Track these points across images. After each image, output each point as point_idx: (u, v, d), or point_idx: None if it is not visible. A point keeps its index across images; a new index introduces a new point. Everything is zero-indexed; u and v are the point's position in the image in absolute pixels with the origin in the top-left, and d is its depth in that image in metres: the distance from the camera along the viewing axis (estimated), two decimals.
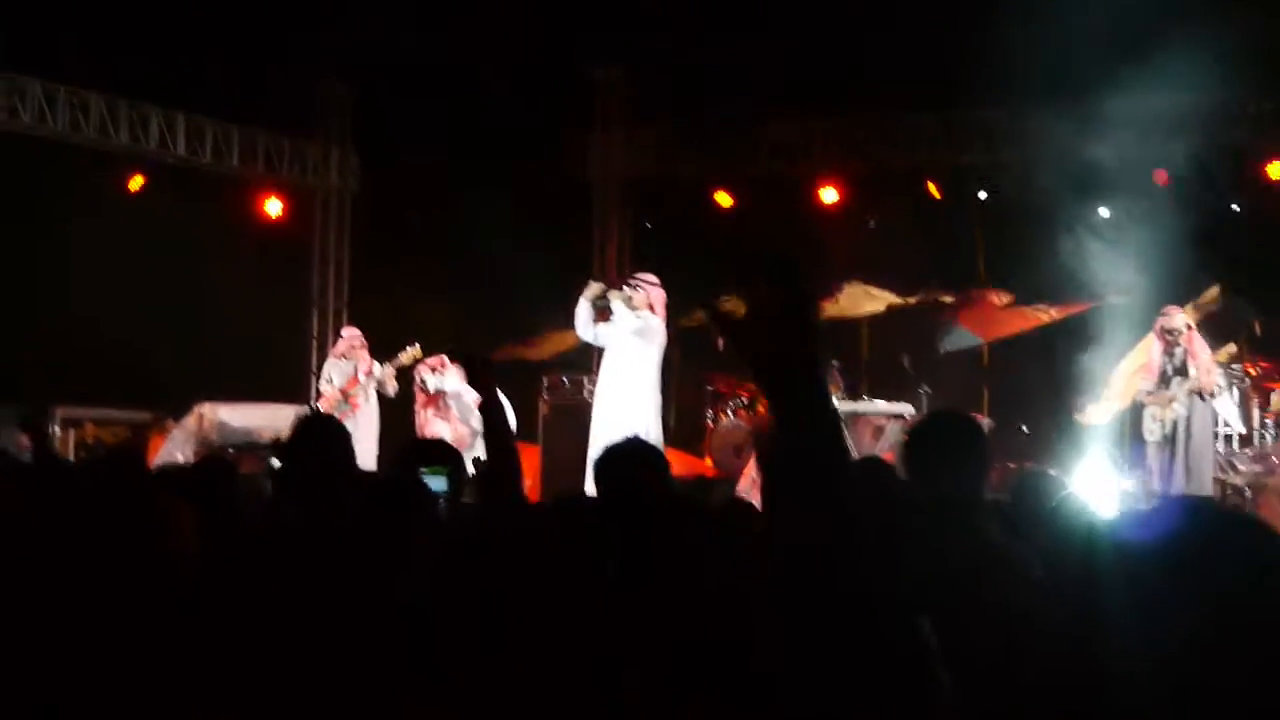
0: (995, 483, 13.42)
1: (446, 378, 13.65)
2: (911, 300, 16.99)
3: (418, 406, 13.88)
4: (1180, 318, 12.69)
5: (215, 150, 17.92)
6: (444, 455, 5.67)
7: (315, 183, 19.30)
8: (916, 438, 4.49)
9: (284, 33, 16.46)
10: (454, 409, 13.64)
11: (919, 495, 4.31)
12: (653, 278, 12.31)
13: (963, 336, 16.21)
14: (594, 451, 10.43)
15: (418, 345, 13.87)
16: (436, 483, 5.10)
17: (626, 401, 11.92)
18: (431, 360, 13.86)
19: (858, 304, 17.04)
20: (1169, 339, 12.63)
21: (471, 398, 13.50)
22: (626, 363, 12.03)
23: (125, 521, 3.96)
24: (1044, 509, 5.84)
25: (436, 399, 13.72)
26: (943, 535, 4.04)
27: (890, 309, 17.08)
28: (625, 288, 12.34)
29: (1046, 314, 16.31)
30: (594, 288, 12.32)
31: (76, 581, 3.52)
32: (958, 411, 4.70)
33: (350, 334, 14.63)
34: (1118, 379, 14.46)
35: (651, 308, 12.08)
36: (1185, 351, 12.56)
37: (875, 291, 17.15)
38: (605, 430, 11.43)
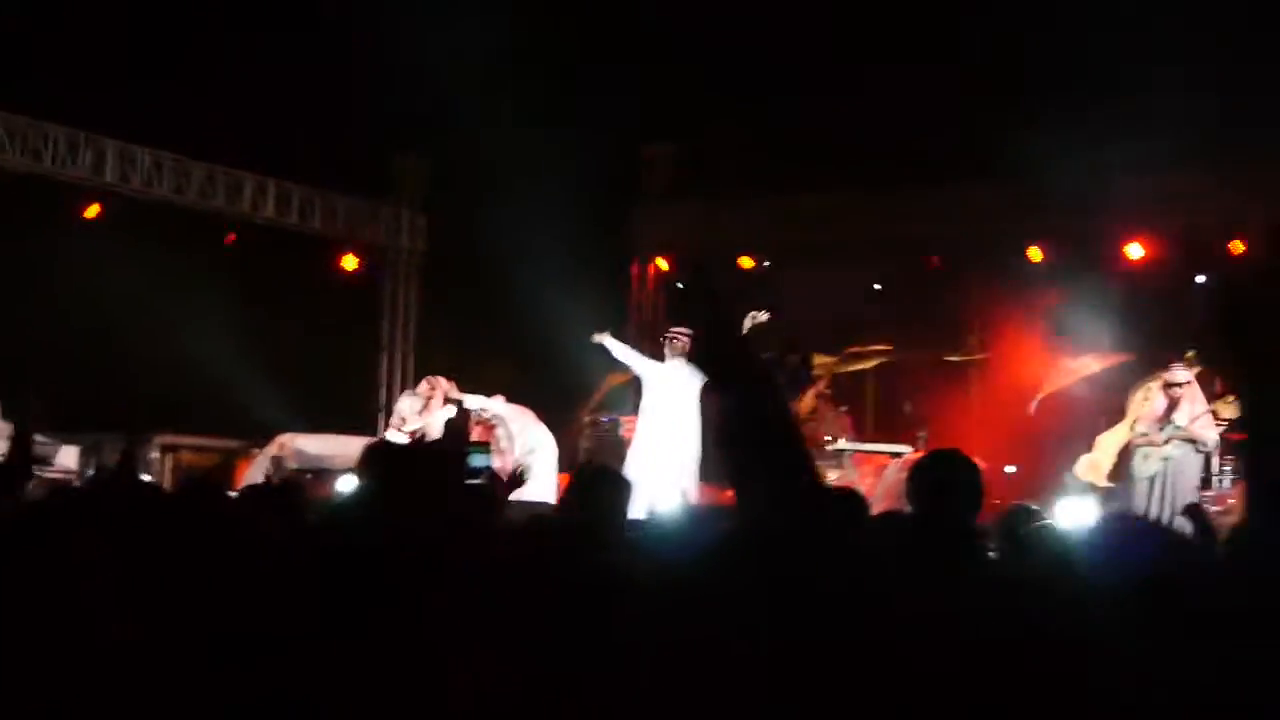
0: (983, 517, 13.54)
1: (485, 400, 13.84)
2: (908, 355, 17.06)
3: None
4: (1183, 372, 12.43)
5: (301, 212, 18.35)
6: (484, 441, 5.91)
7: (388, 242, 19.66)
8: (920, 471, 4.55)
9: (364, 106, 16.87)
10: (500, 437, 13.87)
11: (921, 523, 4.44)
12: (688, 330, 12.58)
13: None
14: (634, 472, 10.66)
15: (442, 379, 14.03)
16: (480, 459, 5.43)
17: (678, 436, 12.28)
18: (423, 388, 14.08)
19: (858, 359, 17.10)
20: (1173, 392, 12.40)
21: (517, 426, 13.76)
22: (680, 403, 12.29)
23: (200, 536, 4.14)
24: (1022, 535, 5.92)
25: (490, 430, 13.93)
26: (945, 556, 4.19)
27: (890, 363, 17.11)
28: (666, 340, 12.64)
29: (1089, 366, 15.75)
30: (602, 336, 12.73)
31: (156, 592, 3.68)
32: (957, 451, 4.85)
33: (433, 379, 14.73)
34: (1108, 442, 14.02)
35: (689, 357, 12.38)
36: (1186, 403, 12.33)
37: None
38: (650, 457, 11.79)
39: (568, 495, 5.33)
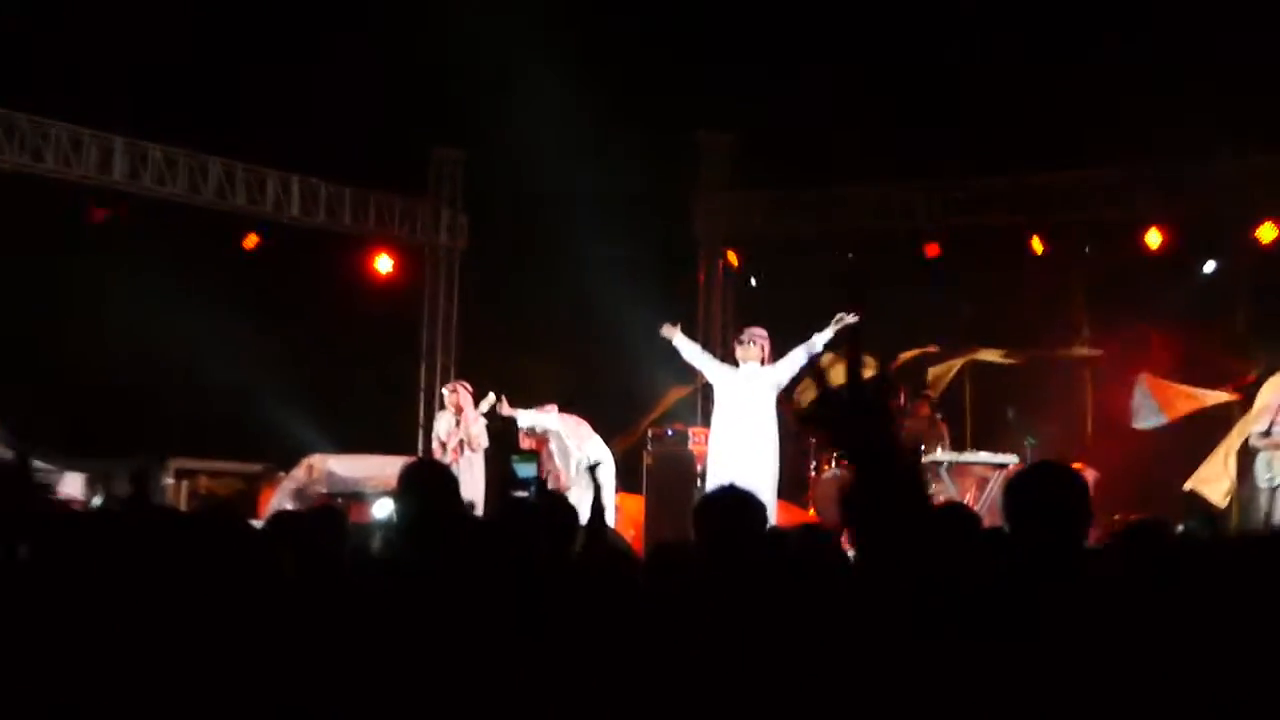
0: (1101, 535, 13.37)
1: (536, 415, 13.84)
2: (1016, 357, 16.90)
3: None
4: None
5: (328, 210, 18.33)
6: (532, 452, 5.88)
7: (425, 240, 19.63)
8: (1016, 487, 4.43)
9: (397, 94, 16.88)
10: (554, 451, 13.84)
11: (1018, 544, 4.30)
12: (763, 332, 12.49)
13: (1154, 414, 15.83)
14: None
15: (492, 394, 14.03)
16: (525, 469, 5.39)
17: (755, 450, 12.13)
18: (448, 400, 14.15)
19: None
20: None
21: (573, 442, 13.73)
22: (756, 412, 12.21)
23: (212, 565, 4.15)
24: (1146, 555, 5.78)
25: (542, 443, 13.90)
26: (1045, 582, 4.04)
27: (993, 364, 17.00)
28: (740, 342, 12.54)
29: (1225, 395, 15.44)
30: (672, 331, 12.61)
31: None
32: (1059, 463, 4.73)
33: (451, 386, 14.83)
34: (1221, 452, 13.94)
35: (763, 361, 12.28)
36: None
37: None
38: (727, 475, 11.65)
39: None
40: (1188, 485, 13.93)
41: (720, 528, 4.94)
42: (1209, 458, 13.91)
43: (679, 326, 12.69)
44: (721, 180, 19.03)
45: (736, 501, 5.11)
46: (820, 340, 12.06)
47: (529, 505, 5.84)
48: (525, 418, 13.89)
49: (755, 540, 4.91)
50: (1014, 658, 3.17)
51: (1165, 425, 15.13)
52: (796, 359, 12.19)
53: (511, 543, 4.69)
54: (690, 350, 12.70)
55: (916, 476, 3.06)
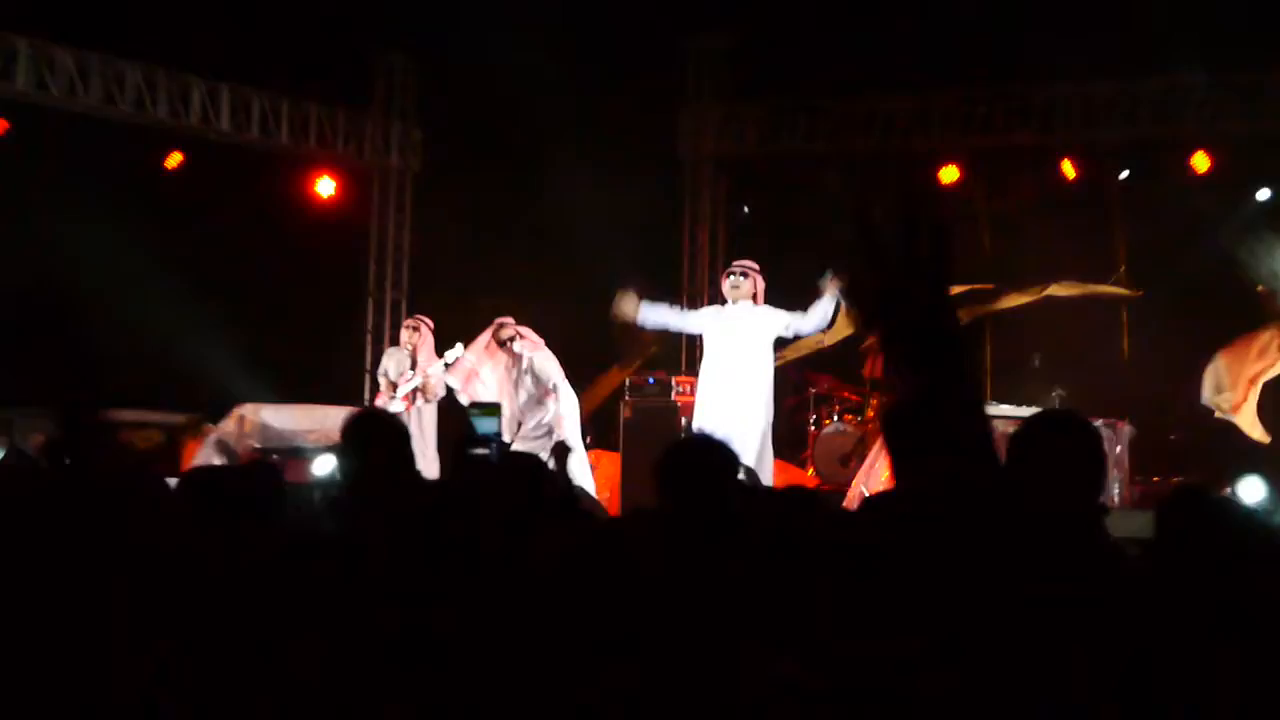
0: (1136, 498, 13.21)
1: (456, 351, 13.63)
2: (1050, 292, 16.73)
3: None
4: None
5: (262, 125, 18.02)
6: (493, 404, 5.76)
7: (373, 161, 19.34)
8: (1017, 441, 4.37)
9: None
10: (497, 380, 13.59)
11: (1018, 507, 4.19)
12: (754, 264, 12.35)
13: (1224, 401, 15.60)
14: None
15: (460, 346, 13.84)
16: (486, 424, 5.19)
17: (745, 401, 12.05)
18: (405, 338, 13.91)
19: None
20: None
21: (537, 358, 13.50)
22: (747, 358, 12.09)
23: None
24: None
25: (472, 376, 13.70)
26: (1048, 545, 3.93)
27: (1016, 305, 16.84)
28: (730, 276, 12.40)
29: None
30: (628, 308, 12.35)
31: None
32: (1067, 412, 4.60)
33: (410, 321, 14.64)
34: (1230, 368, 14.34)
35: (756, 298, 12.15)
36: None
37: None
38: (713, 427, 11.47)
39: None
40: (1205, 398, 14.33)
41: (681, 486, 4.69)
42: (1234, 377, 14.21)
43: (633, 293, 12.42)
44: (711, 92, 18.67)
45: (700, 454, 4.89)
46: (820, 313, 11.94)
47: (490, 466, 5.58)
48: (451, 355, 13.68)
49: (718, 502, 4.63)
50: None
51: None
52: (799, 324, 12.06)
53: (469, 509, 4.63)
54: (659, 317, 12.52)
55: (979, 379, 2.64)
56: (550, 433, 13.06)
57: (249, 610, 4.00)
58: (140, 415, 16.14)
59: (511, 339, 13.56)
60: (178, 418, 16.31)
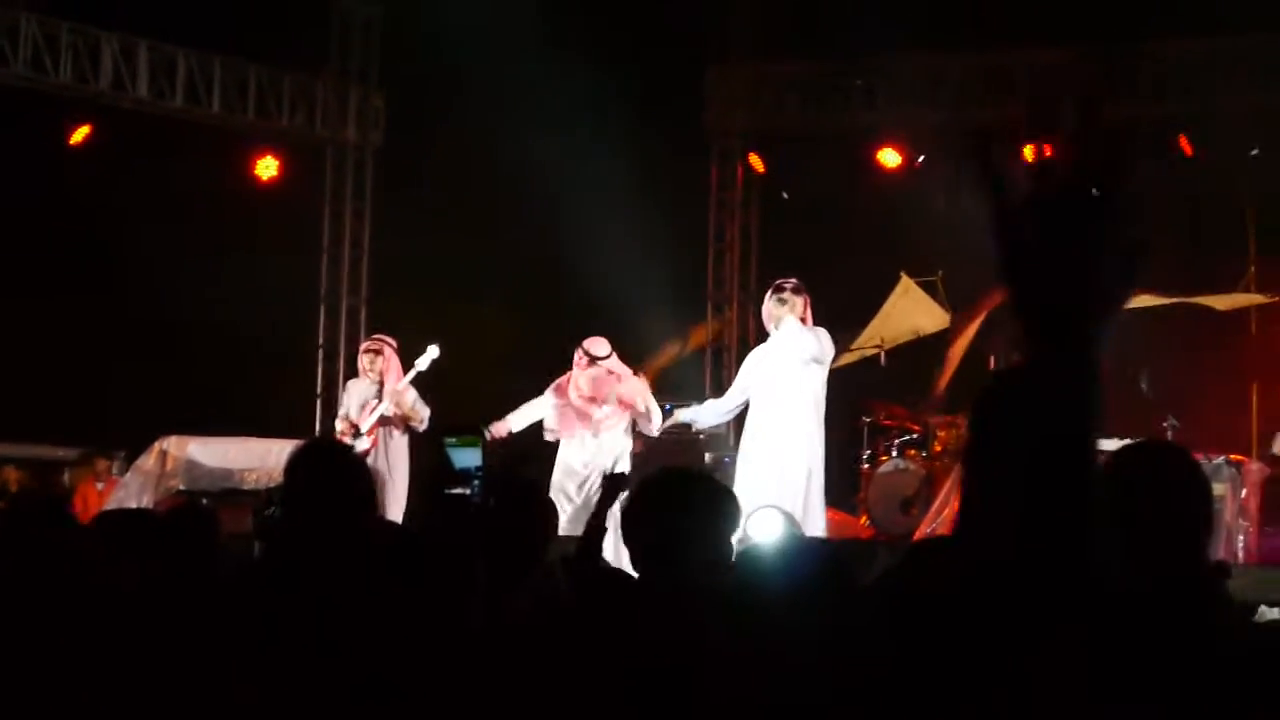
0: (1266, 551, 13.30)
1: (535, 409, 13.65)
2: (1161, 300, 16.80)
3: None
4: None
5: (189, 91, 18.17)
6: (473, 425, 5.73)
7: (325, 134, 19.53)
8: (1114, 472, 4.26)
9: None
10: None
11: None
12: (796, 282, 12.46)
13: None
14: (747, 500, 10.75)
15: (436, 348, 13.83)
16: (467, 456, 5.22)
17: (782, 442, 12.18)
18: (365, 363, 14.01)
19: None
20: None
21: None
22: (785, 392, 12.24)
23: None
24: None
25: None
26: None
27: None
28: (770, 297, 12.53)
29: None
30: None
31: None
32: (1164, 444, 4.63)
33: (366, 342, 14.61)
34: None
35: (805, 320, 12.29)
36: None
37: None
38: (760, 478, 11.86)
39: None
40: None
41: (650, 542, 4.63)
42: None
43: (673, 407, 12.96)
44: (742, 53, 18.85)
45: (676, 493, 4.74)
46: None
47: (474, 507, 5.71)
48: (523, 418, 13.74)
49: (698, 565, 4.50)
50: None
51: None
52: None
53: (450, 564, 4.63)
54: (715, 414, 12.95)
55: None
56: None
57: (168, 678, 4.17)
58: (30, 450, 16.39)
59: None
60: (63, 452, 16.59)
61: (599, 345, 13.16)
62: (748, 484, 11.78)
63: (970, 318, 16.16)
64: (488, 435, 13.09)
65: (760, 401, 12.44)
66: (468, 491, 5.74)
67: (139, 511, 6.37)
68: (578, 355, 13.16)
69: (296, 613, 4.28)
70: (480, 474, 6.01)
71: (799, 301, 12.34)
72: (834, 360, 12.66)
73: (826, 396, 12.46)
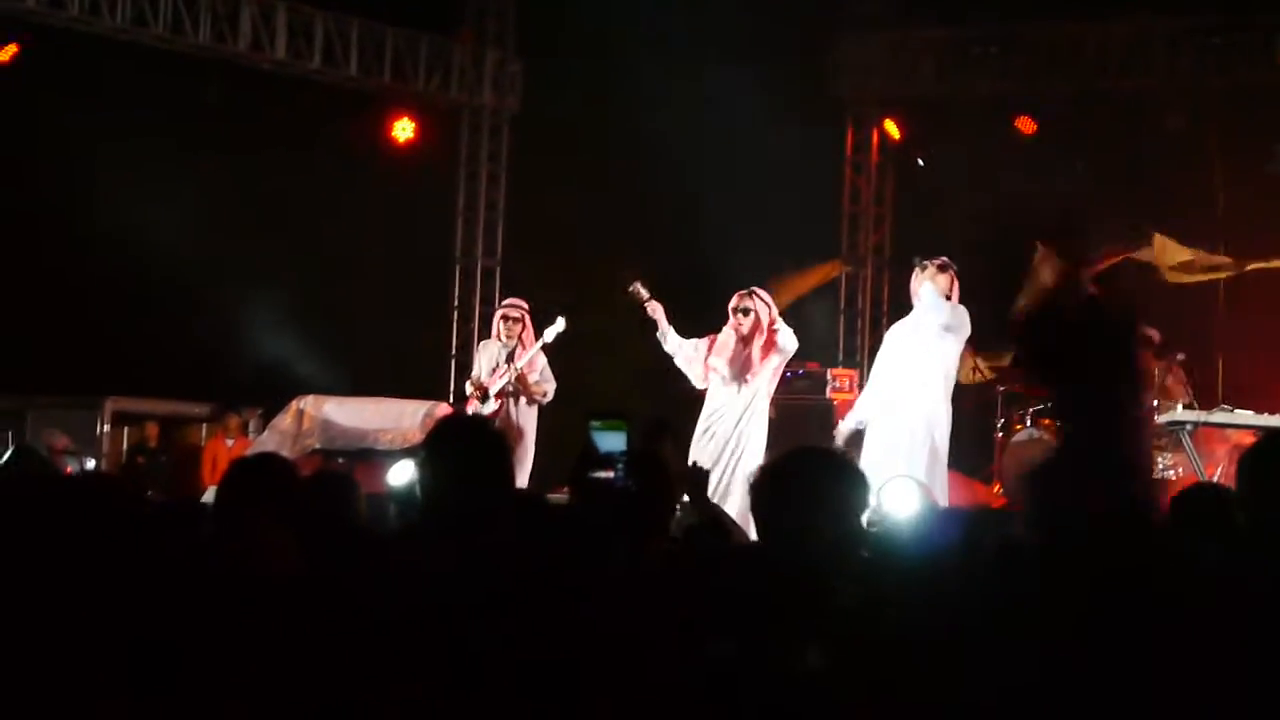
0: None
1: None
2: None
3: None
4: None
5: (326, 53, 18.23)
6: (618, 410, 5.63)
7: (463, 98, 19.52)
8: (1255, 459, 4.46)
9: None
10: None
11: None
12: (945, 260, 12.44)
13: None
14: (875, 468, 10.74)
15: (563, 320, 13.76)
16: (611, 440, 5.17)
17: (918, 403, 12.15)
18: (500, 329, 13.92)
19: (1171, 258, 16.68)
20: None
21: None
22: (923, 364, 12.21)
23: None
24: None
25: None
26: None
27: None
28: (921, 269, 12.50)
29: None
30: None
31: None
32: None
33: (504, 307, 14.52)
34: None
35: (950, 297, 12.27)
36: None
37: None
38: (889, 446, 11.91)
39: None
40: None
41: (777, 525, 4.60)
42: None
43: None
44: (877, 19, 18.80)
45: (804, 472, 4.69)
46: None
47: (617, 492, 5.66)
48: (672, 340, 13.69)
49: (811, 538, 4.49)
50: None
51: None
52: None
53: (591, 544, 4.73)
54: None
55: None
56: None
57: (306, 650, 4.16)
58: (175, 406, 16.52)
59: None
60: (197, 408, 16.78)
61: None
62: (876, 452, 11.88)
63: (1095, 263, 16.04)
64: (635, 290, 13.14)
65: (893, 371, 12.43)
66: (611, 475, 5.70)
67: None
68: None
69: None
70: (625, 458, 5.99)
71: (944, 278, 12.32)
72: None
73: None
